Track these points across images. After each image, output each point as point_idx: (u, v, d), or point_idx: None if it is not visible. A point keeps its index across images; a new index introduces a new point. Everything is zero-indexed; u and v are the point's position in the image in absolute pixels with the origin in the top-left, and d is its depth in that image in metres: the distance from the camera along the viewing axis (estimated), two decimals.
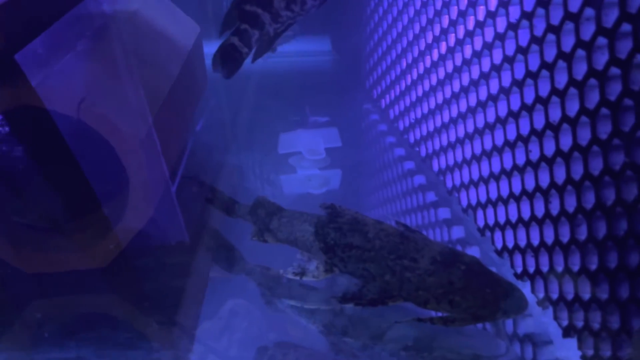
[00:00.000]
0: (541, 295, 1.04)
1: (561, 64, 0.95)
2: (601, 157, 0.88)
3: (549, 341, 0.99)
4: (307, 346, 1.04)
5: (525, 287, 1.06)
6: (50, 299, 1.17)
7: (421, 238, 1.05)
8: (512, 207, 1.12)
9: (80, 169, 1.13)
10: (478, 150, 1.23)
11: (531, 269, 1.07)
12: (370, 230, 1.05)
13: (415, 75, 1.53)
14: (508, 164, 1.13)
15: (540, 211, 1.04)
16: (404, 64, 1.60)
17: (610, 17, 0.83)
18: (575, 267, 0.96)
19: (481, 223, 1.23)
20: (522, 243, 1.09)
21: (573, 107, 0.93)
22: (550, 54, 0.97)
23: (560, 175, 0.98)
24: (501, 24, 1.11)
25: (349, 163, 1.60)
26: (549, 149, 1.00)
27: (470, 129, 1.26)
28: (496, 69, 1.14)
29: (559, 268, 0.99)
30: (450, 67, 1.33)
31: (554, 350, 0.97)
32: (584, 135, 0.92)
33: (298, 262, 1.12)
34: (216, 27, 1.37)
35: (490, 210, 1.20)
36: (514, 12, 1.06)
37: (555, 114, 0.98)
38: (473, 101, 1.24)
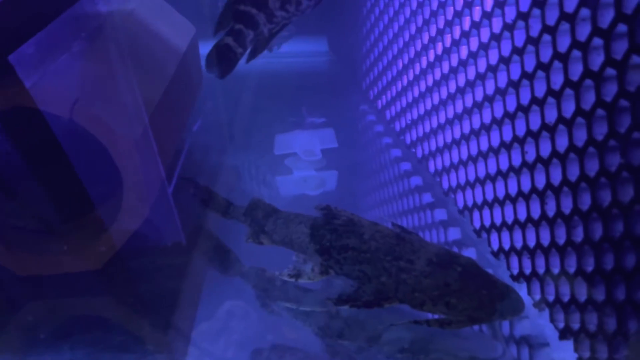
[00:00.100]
0: (537, 297, 1.03)
1: (557, 64, 0.95)
2: (597, 158, 0.88)
3: (546, 343, 0.98)
4: (303, 348, 1.04)
5: (521, 289, 1.05)
6: (44, 301, 1.16)
7: (417, 239, 1.05)
8: (509, 208, 1.12)
9: (74, 171, 1.13)
10: (474, 151, 1.23)
11: (527, 271, 1.06)
12: (366, 231, 1.04)
13: (411, 76, 1.53)
14: (504, 165, 1.12)
15: (536, 212, 1.04)
16: (400, 65, 1.59)
17: (606, 17, 0.83)
18: (572, 269, 0.96)
19: (477, 224, 1.23)
20: (519, 244, 1.09)
21: (569, 108, 0.93)
22: (546, 54, 0.97)
23: (556, 177, 0.98)
24: (497, 24, 1.10)
25: (345, 164, 1.60)
26: (545, 150, 1.00)
27: (467, 130, 1.26)
28: (492, 69, 1.13)
29: (556, 270, 0.99)
30: (446, 68, 1.33)
31: (551, 352, 0.97)
32: (580, 137, 0.91)
33: (293, 264, 1.12)
34: (212, 27, 1.37)
35: (486, 212, 1.19)
36: (510, 13, 1.06)
37: (551, 115, 0.98)
38: (469, 102, 1.24)
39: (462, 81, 1.26)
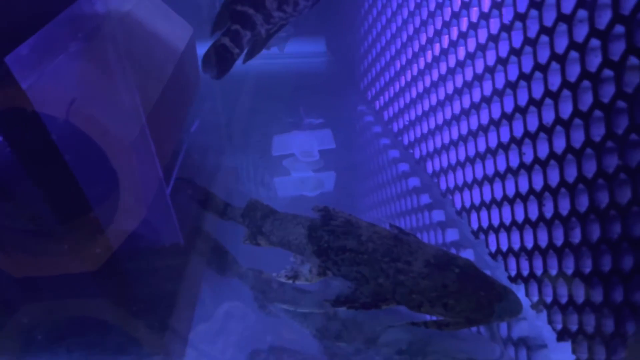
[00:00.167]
0: (535, 298, 1.03)
1: (554, 65, 0.94)
2: (595, 159, 0.88)
3: (543, 345, 0.98)
4: (301, 350, 1.04)
5: (519, 291, 1.05)
6: (41, 303, 1.16)
7: (415, 241, 1.05)
8: (506, 209, 1.11)
9: (71, 172, 1.13)
10: (472, 152, 1.23)
11: (525, 272, 1.06)
12: (363, 233, 1.04)
13: (409, 77, 1.53)
14: (502, 167, 1.12)
15: (534, 214, 1.03)
16: (398, 66, 1.59)
17: (604, 18, 0.83)
18: (569, 271, 0.95)
19: (475, 226, 1.23)
20: (516, 246, 1.09)
21: (566, 109, 0.93)
22: (543, 55, 0.97)
23: (553, 178, 0.98)
24: (494, 25, 1.10)
25: (343, 165, 1.60)
26: (543, 151, 1.00)
27: (464, 131, 1.26)
28: (489, 70, 1.13)
29: (553, 271, 0.99)
30: (444, 69, 1.33)
31: (548, 353, 0.97)
32: (578, 138, 0.91)
33: (291, 265, 1.11)
34: (210, 28, 1.37)
35: (484, 213, 1.19)
36: (507, 14, 1.06)
37: (548, 116, 0.97)
38: (467, 103, 1.24)
39: (459, 82, 1.26)
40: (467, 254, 1.20)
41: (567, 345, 0.95)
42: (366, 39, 1.84)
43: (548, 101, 0.97)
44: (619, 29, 0.80)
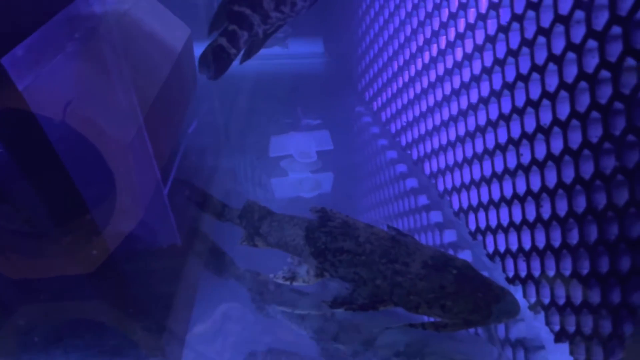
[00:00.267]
0: (533, 299, 1.03)
1: (552, 66, 0.94)
2: (592, 160, 0.88)
3: (541, 346, 0.98)
4: (299, 352, 1.03)
5: (517, 292, 1.05)
6: (37, 304, 1.15)
7: (412, 242, 1.04)
8: (504, 210, 1.11)
9: (67, 173, 1.12)
10: (469, 153, 1.23)
11: (523, 273, 1.06)
12: (361, 234, 1.04)
13: (407, 78, 1.53)
14: (499, 168, 1.12)
15: (531, 215, 1.03)
16: (396, 67, 1.59)
17: (601, 19, 0.83)
18: (567, 272, 0.95)
19: (473, 227, 1.23)
20: (514, 247, 1.09)
21: (564, 110, 0.93)
22: (540, 56, 0.97)
23: (551, 179, 0.98)
24: (492, 26, 1.10)
25: (340, 166, 1.60)
26: (540, 152, 1.00)
27: (462, 132, 1.25)
28: (487, 71, 1.13)
29: (551, 272, 0.99)
30: (441, 69, 1.33)
31: (546, 355, 0.97)
32: (575, 139, 0.91)
33: (288, 267, 1.11)
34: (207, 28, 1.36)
35: (481, 214, 1.19)
36: (505, 15, 1.05)
37: (546, 117, 0.97)
38: (464, 104, 1.24)
39: (457, 83, 1.26)
40: (465, 255, 1.19)
41: (564, 347, 0.95)
42: (364, 40, 1.84)
43: (545, 102, 0.97)
44: (616, 30, 0.80)
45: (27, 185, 1.18)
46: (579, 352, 0.93)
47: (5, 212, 1.18)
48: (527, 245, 1.05)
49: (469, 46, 1.19)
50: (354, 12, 1.89)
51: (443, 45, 1.31)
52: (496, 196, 1.14)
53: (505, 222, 1.11)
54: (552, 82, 0.95)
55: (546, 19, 0.94)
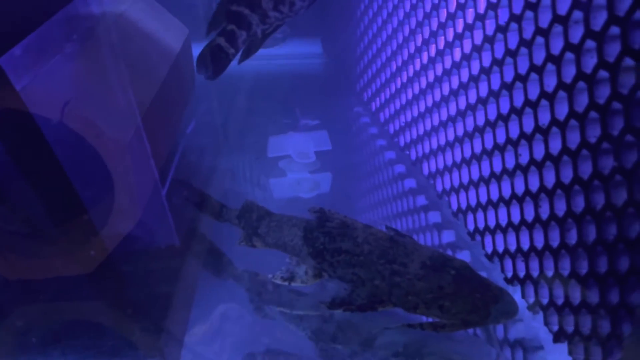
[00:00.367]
0: (531, 300, 1.03)
1: (550, 67, 0.94)
2: (590, 160, 0.88)
3: (540, 346, 0.98)
4: (297, 352, 1.03)
5: (515, 292, 1.05)
6: (35, 305, 1.15)
7: (411, 242, 1.04)
8: (502, 211, 1.11)
9: (65, 174, 1.12)
10: (468, 153, 1.23)
11: (521, 274, 1.06)
12: (359, 234, 1.04)
13: (405, 78, 1.53)
14: (498, 168, 1.12)
15: (530, 215, 1.03)
16: (394, 67, 1.59)
17: (599, 19, 0.83)
18: (566, 272, 0.95)
19: (471, 227, 1.23)
20: (512, 247, 1.09)
21: (562, 111, 0.93)
22: (539, 57, 0.97)
23: (549, 179, 0.98)
24: (490, 26, 1.10)
25: (339, 166, 1.59)
26: (539, 152, 1.00)
27: (460, 132, 1.25)
28: (485, 72, 1.13)
29: (549, 273, 0.99)
30: (439, 70, 1.33)
31: (545, 355, 0.97)
32: (573, 139, 0.91)
33: (287, 267, 1.11)
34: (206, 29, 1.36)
35: (480, 214, 1.19)
36: (503, 15, 1.05)
37: (544, 117, 0.97)
38: (462, 104, 1.24)
39: (455, 83, 1.26)
40: (464, 256, 1.19)
41: (563, 347, 0.95)
42: (362, 41, 1.84)
43: (544, 102, 0.97)
44: (615, 30, 0.80)
45: (25, 185, 1.18)
46: (577, 352, 0.93)
47: (3, 212, 1.18)
48: (525, 246, 1.05)
49: (467, 46, 1.19)
50: (353, 12, 1.89)
51: (441, 45, 1.31)
52: (495, 196, 1.14)
53: (503, 222, 1.11)
54: (550, 82, 0.95)
55: (544, 19, 0.94)
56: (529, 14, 0.98)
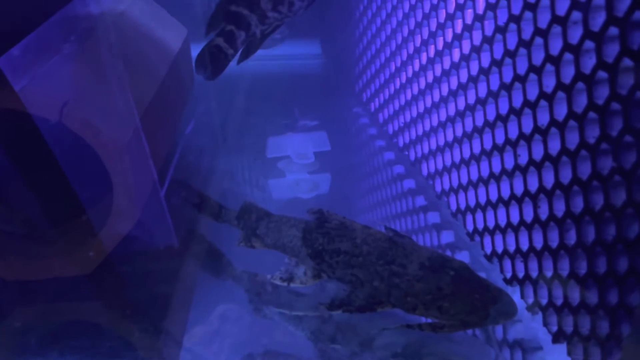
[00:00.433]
0: (530, 300, 1.03)
1: (549, 67, 0.94)
2: (589, 161, 0.88)
3: (539, 347, 0.98)
4: (296, 353, 1.03)
5: (514, 293, 1.05)
6: (33, 306, 1.15)
7: (410, 243, 1.04)
8: (502, 211, 1.11)
9: (64, 175, 1.12)
10: (467, 154, 1.23)
11: (520, 274, 1.06)
12: (358, 235, 1.04)
13: (404, 79, 1.53)
14: (497, 168, 1.12)
15: (529, 216, 1.03)
16: (393, 68, 1.59)
17: (598, 20, 0.83)
18: (565, 272, 0.95)
19: (470, 227, 1.23)
20: (511, 248, 1.09)
21: (561, 111, 0.93)
22: (538, 57, 0.97)
23: (548, 180, 0.98)
24: (489, 27, 1.10)
25: (338, 167, 1.59)
26: (538, 153, 1.00)
27: (459, 133, 1.25)
28: (484, 72, 1.13)
29: (548, 273, 0.99)
30: (438, 71, 1.33)
31: (544, 355, 0.97)
32: (572, 140, 0.91)
33: (286, 268, 1.11)
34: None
35: (479, 215, 1.19)
36: (502, 16, 1.05)
37: (543, 118, 0.97)
38: (462, 105, 1.24)
39: (454, 84, 1.26)
40: (463, 256, 1.19)
41: (562, 347, 0.95)
42: (361, 41, 1.84)
43: (543, 103, 0.97)
44: (613, 30, 0.80)
45: (23, 186, 1.18)
46: (576, 353, 0.93)
47: (2, 213, 1.18)
48: (524, 246, 1.05)
49: (466, 47, 1.19)
50: (352, 13, 1.89)
51: (440, 46, 1.31)
52: (494, 197, 1.14)
53: (502, 223, 1.11)
54: (549, 83, 0.95)
55: (543, 20, 0.94)
56: (528, 14, 0.98)
